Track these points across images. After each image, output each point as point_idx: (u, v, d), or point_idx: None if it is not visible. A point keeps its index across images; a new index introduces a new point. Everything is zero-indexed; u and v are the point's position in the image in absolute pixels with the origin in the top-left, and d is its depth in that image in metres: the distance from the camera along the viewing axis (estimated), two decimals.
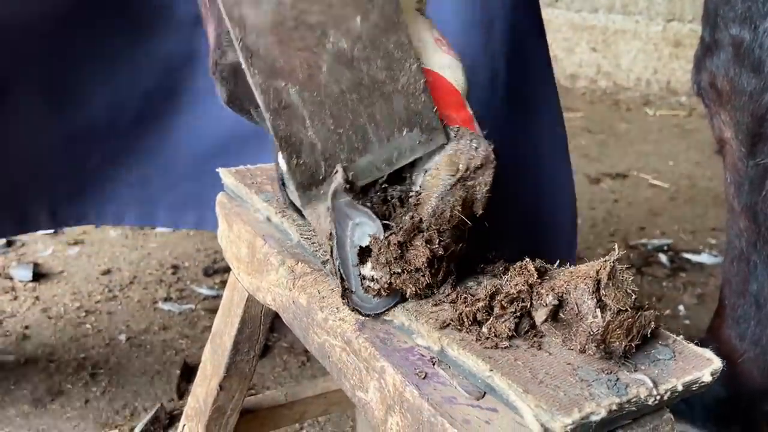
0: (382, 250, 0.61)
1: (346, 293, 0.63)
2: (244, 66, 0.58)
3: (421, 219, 0.62)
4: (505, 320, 0.59)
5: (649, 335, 0.58)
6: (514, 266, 0.62)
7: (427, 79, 0.65)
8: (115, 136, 1.26)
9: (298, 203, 0.78)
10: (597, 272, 0.57)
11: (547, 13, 4.10)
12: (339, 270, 0.62)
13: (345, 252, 0.62)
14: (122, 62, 1.21)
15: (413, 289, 0.63)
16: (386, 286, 0.62)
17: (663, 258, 2.03)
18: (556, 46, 4.11)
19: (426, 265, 0.61)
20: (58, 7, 1.14)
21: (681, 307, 1.78)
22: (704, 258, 2.03)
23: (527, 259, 0.62)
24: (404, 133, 0.62)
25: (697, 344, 1.19)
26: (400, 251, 0.61)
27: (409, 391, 0.56)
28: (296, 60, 0.58)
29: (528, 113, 1.17)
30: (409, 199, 0.64)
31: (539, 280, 0.60)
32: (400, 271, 0.62)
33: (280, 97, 0.58)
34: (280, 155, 0.65)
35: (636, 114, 3.62)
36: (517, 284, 0.59)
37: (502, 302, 0.59)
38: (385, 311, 0.64)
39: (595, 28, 3.99)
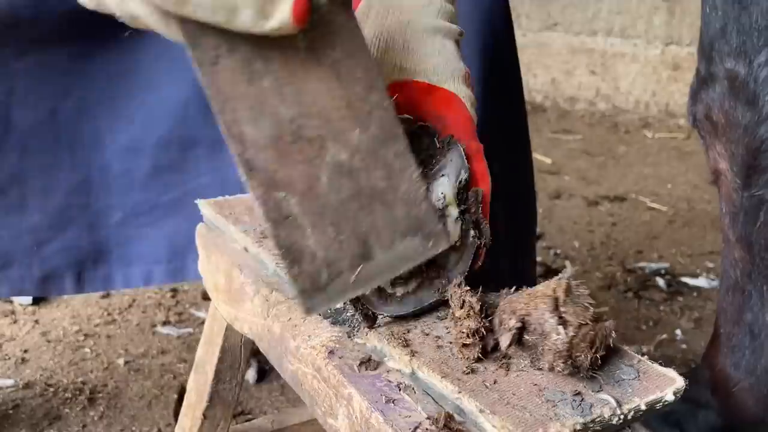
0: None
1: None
2: (243, 179, 0.59)
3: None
4: (470, 348, 0.60)
5: (611, 345, 0.59)
6: (460, 303, 0.63)
7: (452, 105, 0.69)
8: (135, 188, 1.22)
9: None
10: (554, 290, 0.58)
11: (545, 37, 4.15)
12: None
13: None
14: (134, 106, 1.18)
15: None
16: None
17: (660, 282, 2.03)
18: (555, 69, 4.14)
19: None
20: (66, 47, 1.13)
21: (678, 332, 1.78)
22: (702, 282, 2.04)
23: (468, 299, 0.63)
24: (406, 239, 0.63)
25: (693, 369, 1.19)
26: None
27: (374, 417, 0.57)
28: (295, 172, 0.60)
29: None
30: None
31: (496, 309, 0.62)
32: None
33: (280, 208, 0.59)
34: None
35: (635, 136, 3.63)
36: (468, 325, 0.61)
37: (461, 333, 0.61)
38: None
39: (594, 51, 4.02)
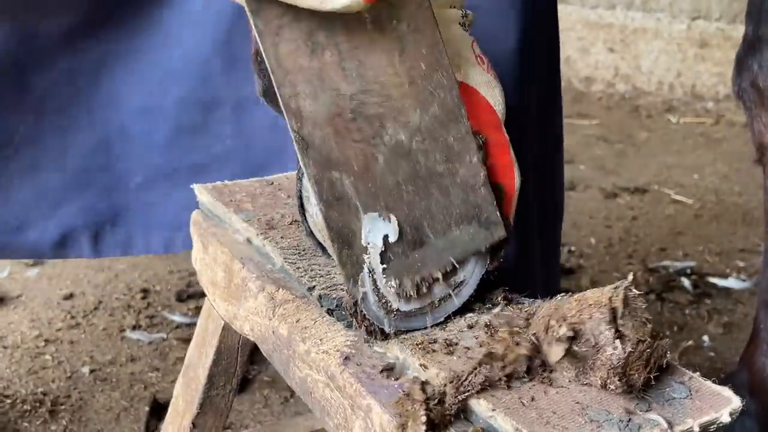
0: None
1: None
2: (298, 157, 0.63)
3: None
4: (512, 371, 0.61)
5: (664, 366, 0.59)
6: (500, 321, 0.63)
7: (465, 95, 0.69)
8: (156, 150, 1.26)
9: (317, 234, 0.79)
10: (610, 300, 0.59)
11: (559, 10, 4.13)
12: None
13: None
14: (152, 64, 1.22)
15: None
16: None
17: (686, 282, 2.04)
18: (569, 46, 4.14)
19: None
20: (87, 5, 1.17)
21: (705, 338, 1.79)
22: (732, 282, 2.04)
23: (509, 313, 0.63)
24: (462, 227, 0.67)
25: (722, 377, 1.19)
26: None
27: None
28: (352, 151, 0.63)
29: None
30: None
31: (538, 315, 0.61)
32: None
33: (333, 188, 0.63)
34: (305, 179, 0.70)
35: (657, 121, 3.64)
36: (510, 349, 0.61)
37: (500, 361, 0.61)
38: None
39: (613, 27, 4.02)
